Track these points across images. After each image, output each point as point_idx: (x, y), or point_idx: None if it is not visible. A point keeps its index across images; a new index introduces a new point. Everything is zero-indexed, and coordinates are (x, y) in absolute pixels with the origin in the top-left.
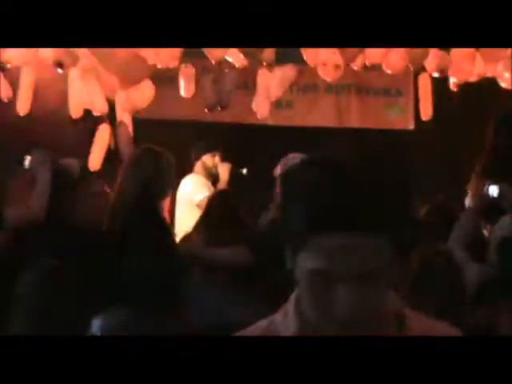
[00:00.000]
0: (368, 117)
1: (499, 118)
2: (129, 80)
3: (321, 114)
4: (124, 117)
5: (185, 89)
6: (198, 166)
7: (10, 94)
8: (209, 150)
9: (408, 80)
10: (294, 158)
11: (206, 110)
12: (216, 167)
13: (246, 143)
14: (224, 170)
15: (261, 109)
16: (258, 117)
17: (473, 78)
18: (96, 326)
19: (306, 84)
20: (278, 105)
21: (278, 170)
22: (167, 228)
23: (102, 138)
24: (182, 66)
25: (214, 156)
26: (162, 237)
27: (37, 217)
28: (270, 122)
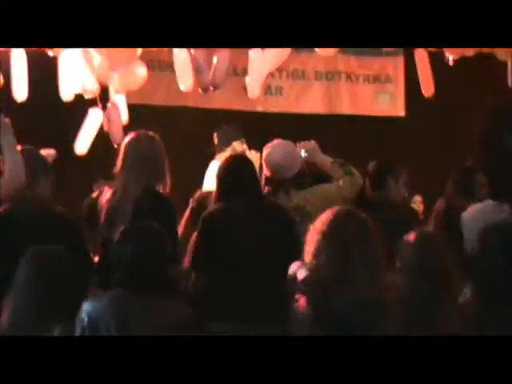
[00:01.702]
0: (358, 104)
1: (490, 108)
2: (119, 60)
3: (311, 101)
4: (116, 99)
5: (181, 78)
6: (227, 153)
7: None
8: (237, 136)
9: (398, 66)
10: (278, 144)
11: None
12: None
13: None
14: (255, 159)
15: (252, 89)
16: (249, 96)
17: (469, 53)
18: (86, 308)
19: (296, 70)
20: (267, 91)
21: (263, 157)
22: (173, 215)
23: (93, 121)
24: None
25: (243, 143)
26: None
27: (16, 184)
28: (260, 109)
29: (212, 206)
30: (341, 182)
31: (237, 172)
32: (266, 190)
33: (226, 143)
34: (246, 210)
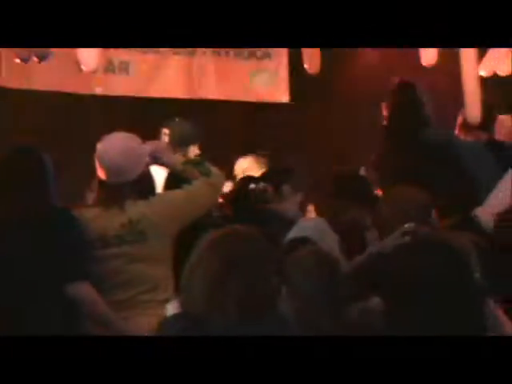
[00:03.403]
0: (228, 86)
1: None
2: None
3: (166, 82)
4: None
5: None
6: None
7: None
8: (195, 138)
9: None
10: (116, 137)
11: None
12: None
13: (68, 120)
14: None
15: (87, 62)
16: (84, 70)
17: None
18: None
19: None
20: (109, 67)
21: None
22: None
23: None
24: None
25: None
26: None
27: None
28: (99, 91)
29: None
30: (193, 187)
31: (15, 166)
32: (98, 198)
33: (180, 144)
34: (16, 217)
